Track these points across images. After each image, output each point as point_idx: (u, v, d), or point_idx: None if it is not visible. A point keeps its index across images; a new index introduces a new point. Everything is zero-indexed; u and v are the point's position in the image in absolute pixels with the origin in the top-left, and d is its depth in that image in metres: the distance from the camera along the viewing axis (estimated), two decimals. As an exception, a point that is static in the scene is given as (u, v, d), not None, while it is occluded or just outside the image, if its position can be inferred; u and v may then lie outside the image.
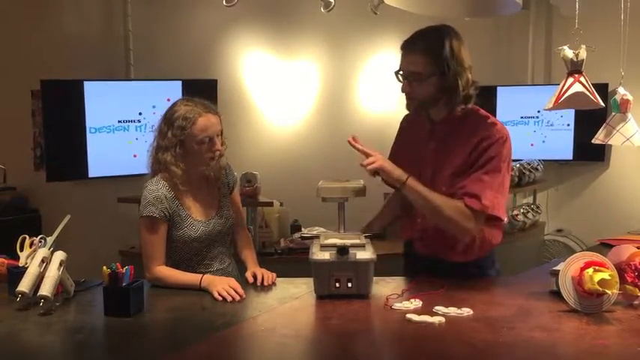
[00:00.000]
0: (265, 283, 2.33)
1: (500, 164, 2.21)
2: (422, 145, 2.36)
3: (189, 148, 2.36)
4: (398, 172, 2.21)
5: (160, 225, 2.33)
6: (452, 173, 2.26)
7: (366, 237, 2.26)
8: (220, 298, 2.14)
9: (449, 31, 2.23)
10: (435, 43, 2.18)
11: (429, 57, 2.18)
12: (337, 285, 2.12)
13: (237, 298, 2.14)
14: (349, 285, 2.11)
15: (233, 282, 2.22)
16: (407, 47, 2.24)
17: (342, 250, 2.11)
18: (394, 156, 2.47)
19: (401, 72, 2.26)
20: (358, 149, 2.24)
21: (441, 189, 2.25)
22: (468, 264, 2.36)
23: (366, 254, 2.12)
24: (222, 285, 2.18)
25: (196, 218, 2.39)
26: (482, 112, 2.32)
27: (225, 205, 2.49)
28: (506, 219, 4.49)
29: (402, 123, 2.53)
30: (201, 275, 2.28)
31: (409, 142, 2.45)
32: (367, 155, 2.22)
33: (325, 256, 2.13)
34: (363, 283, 2.12)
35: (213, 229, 2.41)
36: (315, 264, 2.13)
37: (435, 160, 2.31)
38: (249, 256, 2.55)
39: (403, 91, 2.27)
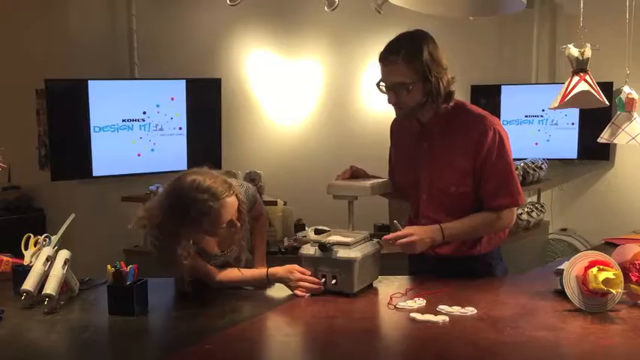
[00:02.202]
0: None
1: (505, 159, 2.25)
2: (414, 147, 2.37)
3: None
4: (431, 234, 2.22)
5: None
6: (459, 174, 2.26)
7: (371, 235, 2.25)
8: (306, 295, 2.12)
9: (424, 35, 2.24)
10: (414, 50, 2.18)
11: (411, 65, 2.18)
12: (323, 280, 2.14)
13: (318, 287, 2.12)
14: (333, 282, 2.12)
15: (297, 274, 2.16)
16: (387, 58, 2.23)
17: (323, 247, 2.12)
18: (393, 159, 2.51)
19: (382, 83, 2.26)
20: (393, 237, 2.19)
21: (449, 189, 2.27)
22: (476, 261, 2.36)
23: (348, 253, 2.11)
24: (296, 283, 2.14)
25: (211, 253, 2.30)
26: (469, 105, 2.35)
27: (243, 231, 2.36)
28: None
29: (392, 127, 2.54)
30: (265, 269, 2.25)
31: (401, 145, 2.47)
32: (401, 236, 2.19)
33: (311, 251, 2.16)
34: (346, 282, 2.11)
35: (225, 260, 2.34)
36: (301, 258, 2.18)
37: (431, 159, 2.32)
38: (258, 249, 2.49)
39: (390, 102, 2.27)
